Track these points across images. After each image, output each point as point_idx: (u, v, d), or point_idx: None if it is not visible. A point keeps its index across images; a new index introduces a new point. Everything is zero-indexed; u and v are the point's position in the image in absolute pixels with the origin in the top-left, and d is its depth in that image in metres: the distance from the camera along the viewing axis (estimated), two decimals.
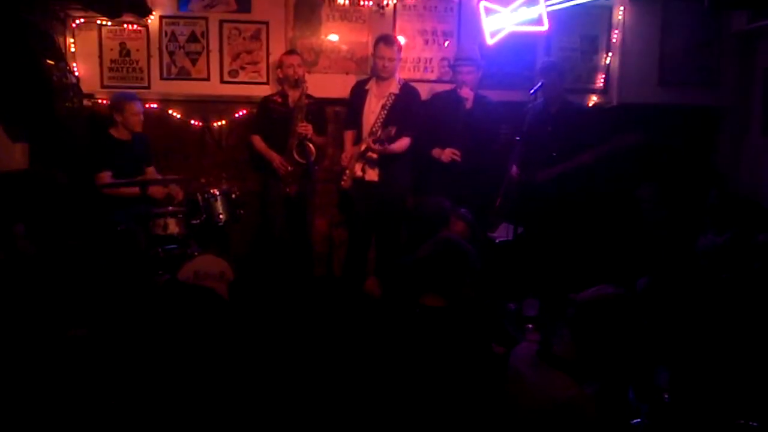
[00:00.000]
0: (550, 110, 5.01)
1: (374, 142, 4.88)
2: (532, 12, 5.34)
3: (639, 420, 2.45)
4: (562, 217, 4.90)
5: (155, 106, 5.49)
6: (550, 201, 4.85)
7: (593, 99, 5.73)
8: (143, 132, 5.15)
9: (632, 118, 5.48)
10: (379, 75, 5.09)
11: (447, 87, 5.39)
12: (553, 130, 4.89)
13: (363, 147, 5.04)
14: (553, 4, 5.37)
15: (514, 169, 4.88)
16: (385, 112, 5.03)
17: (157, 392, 3.09)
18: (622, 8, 5.64)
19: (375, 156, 5.03)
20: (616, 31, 5.68)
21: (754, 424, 2.32)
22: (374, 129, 5.01)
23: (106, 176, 4.83)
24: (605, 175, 5.08)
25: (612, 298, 2.20)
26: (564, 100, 5.07)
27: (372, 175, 5.10)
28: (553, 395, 2.10)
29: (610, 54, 5.71)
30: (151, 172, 5.17)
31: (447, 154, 4.96)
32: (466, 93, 4.96)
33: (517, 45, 5.51)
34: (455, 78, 5.15)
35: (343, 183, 5.15)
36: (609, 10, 5.68)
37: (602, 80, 5.73)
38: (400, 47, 5.16)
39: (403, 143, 5.00)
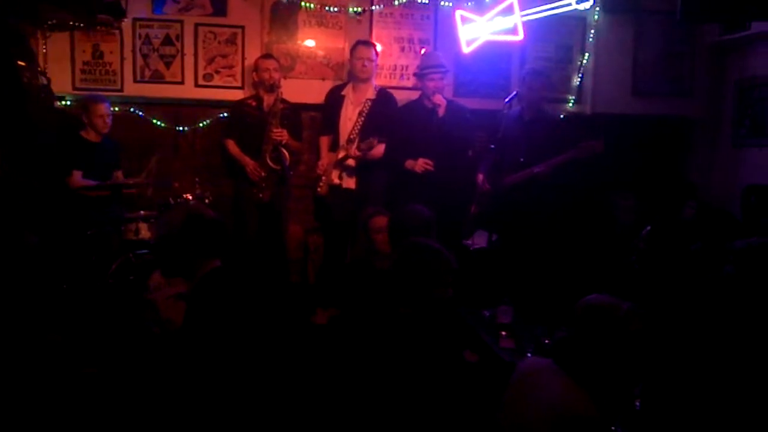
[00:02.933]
0: (525, 118, 5.04)
1: (358, 149, 4.88)
2: (508, 21, 5.40)
3: (613, 428, 2.45)
4: (532, 222, 4.92)
5: (128, 109, 5.42)
6: (519, 207, 4.87)
7: (567, 108, 5.78)
8: (114, 135, 5.08)
9: (605, 127, 5.53)
10: (357, 77, 5.09)
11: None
12: (526, 137, 4.91)
13: (341, 154, 5.03)
14: (528, 14, 5.42)
15: (480, 177, 4.91)
16: (362, 118, 5.03)
17: (133, 397, 3.06)
18: (596, 19, 5.70)
19: (353, 164, 5.02)
20: (591, 42, 5.74)
21: None
22: (351, 136, 5.00)
23: (76, 176, 4.77)
24: (574, 183, 5.11)
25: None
26: (539, 108, 5.11)
27: (349, 182, 5.09)
28: (565, 407, 2.09)
29: (584, 64, 5.76)
30: (118, 176, 5.08)
31: (420, 165, 4.94)
32: (439, 100, 4.96)
33: (493, 54, 5.56)
34: (423, 86, 5.12)
35: (319, 189, 5.13)
36: (583, 21, 5.74)
37: (576, 90, 5.78)
38: (377, 53, 5.18)
39: (379, 148, 4.99)
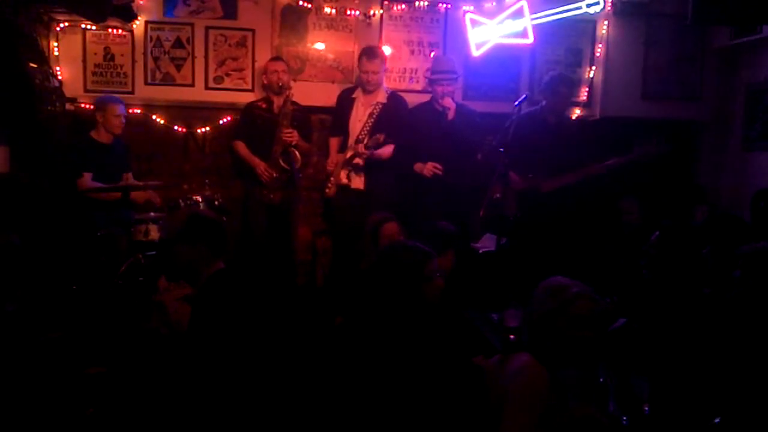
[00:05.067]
0: (549, 121, 5.01)
1: (365, 147, 4.88)
2: (518, 25, 5.40)
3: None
4: (558, 228, 4.89)
5: (139, 111, 5.45)
6: (552, 212, 4.84)
7: (576, 112, 5.76)
8: (126, 137, 5.12)
9: (615, 131, 5.52)
10: (364, 88, 5.11)
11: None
12: (553, 142, 4.89)
13: (349, 154, 5.04)
14: (538, 18, 5.42)
15: (513, 176, 4.81)
16: (372, 120, 5.04)
17: (140, 398, 3.07)
18: (606, 22, 5.70)
19: (361, 163, 5.03)
20: (600, 45, 5.73)
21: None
22: (360, 137, 5.01)
23: (87, 178, 4.80)
24: (601, 191, 5.10)
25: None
26: (563, 113, 5.11)
27: (358, 182, 5.10)
28: (520, 378, 2.15)
29: (593, 67, 5.75)
30: (128, 178, 5.11)
31: (429, 169, 4.93)
32: (448, 103, 4.96)
33: (503, 57, 5.57)
34: (433, 90, 5.12)
35: (327, 191, 5.14)
36: (593, 24, 5.74)
37: (586, 93, 5.78)
38: (384, 59, 5.17)
39: (388, 149, 5.00)
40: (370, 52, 5.10)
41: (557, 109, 5.04)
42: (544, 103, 5.05)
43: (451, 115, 4.96)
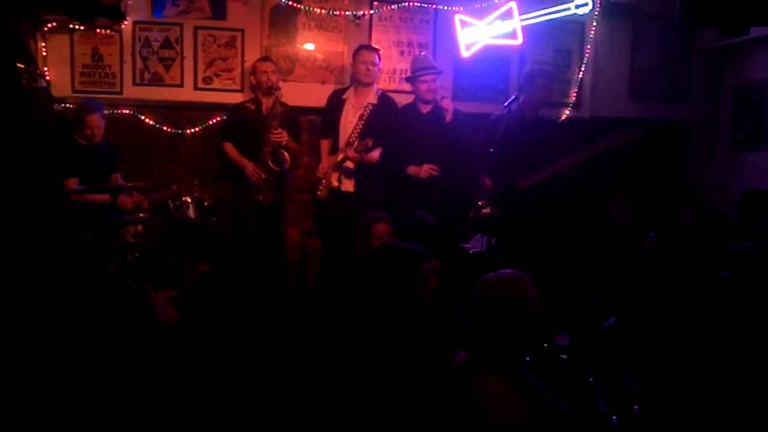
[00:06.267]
0: (527, 117, 5.02)
1: (355, 151, 4.88)
2: (507, 26, 5.42)
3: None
4: (539, 226, 4.90)
5: (127, 111, 5.42)
6: (530, 209, 4.84)
7: (566, 113, 5.79)
8: (113, 138, 5.08)
9: (603, 131, 5.53)
10: (360, 80, 5.10)
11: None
12: (530, 138, 4.90)
13: (340, 157, 5.04)
14: (527, 19, 5.45)
15: (487, 181, 4.86)
16: (363, 122, 5.04)
17: (129, 400, 3.06)
18: (594, 23, 5.72)
19: (351, 166, 5.02)
20: (589, 46, 5.75)
21: None
22: (351, 139, 5.01)
23: (73, 182, 4.75)
24: (580, 186, 5.11)
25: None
26: (537, 110, 5.11)
27: (348, 185, 5.09)
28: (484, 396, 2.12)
29: (582, 68, 5.77)
30: (116, 179, 5.05)
31: (425, 171, 4.93)
32: (447, 105, 4.97)
33: (492, 58, 5.58)
34: (416, 89, 5.11)
35: (319, 193, 5.13)
36: (582, 25, 5.76)
37: (575, 94, 5.80)
38: (379, 56, 5.18)
39: (377, 153, 4.99)
40: (368, 46, 5.17)
41: (534, 103, 5.01)
42: (521, 98, 4.96)
43: (449, 117, 4.96)
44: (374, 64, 5.07)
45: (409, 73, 5.28)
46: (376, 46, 5.37)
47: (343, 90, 5.26)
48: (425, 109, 5.06)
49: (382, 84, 5.51)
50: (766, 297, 2.75)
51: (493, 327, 2.20)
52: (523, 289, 2.23)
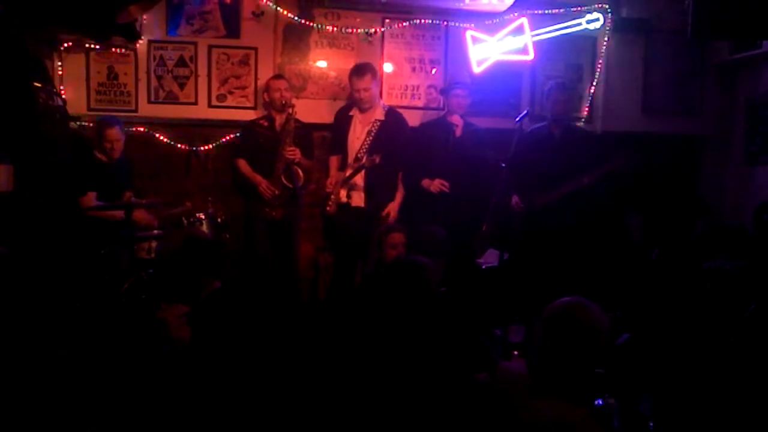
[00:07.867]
0: (555, 134, 5.06)
1: (363, 167, 4.90)
2: (518, 41, 5.44)
3: None
4: (557, 243, 4.90)
5: (142, 129, 5.48)
6: (549, 227, 4.85)
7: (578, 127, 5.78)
8: (129, 156, 5.13)
9: (616, 145, 5.53)
10: (359, 107, 5.13)
11: (434, 114, 5.46)
12: (560, 155, 4.93)
13: (348, 173, 5.06)
14: (538, 34, 5.46)
15: (515, 199, 4.90)
16: (371, 138, 5.06)
17: (142, 415, 3.06)
18: (606, 38, 5.73)
19: (360, 182, 5.05)
20: (601, 61, 5.76)
21: None
22: (359, 155, 5.03)
23: (90, 198, 4.80)
24: (598, 202, 5.11)
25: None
26: (568, 125, 5.15)
27: (358, 200, 5.11)
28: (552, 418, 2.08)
29: (594, 83, 5.78)
30: (128, 196, 5.10)
31: (436, 185, 4.97)
32: (456, 120, 5.01)
33: (503, 73, 5.59)
34: (447, 103, 5.18)
35: (328, 208, 5.15)
36: (593, 40, 5.77)
37: (587, 109, 5.80)
38: (375, 74, 5.18)
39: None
40: (358, 70, 5.11)
41: (558, 116, 5.08)
42: (549, 116, 5.10)
43: (458, 132, 4.99)
44: (366, 90, 5.04)
45: (422, 89, 5.30)
46: (387, 63, 5.39)
47: (350, 107, 5.29)
48: (458, 121, 5.08)
49: (394, 100, 5.54)
50: None
51: (567, 353, 2.18)
52: (599, 319, 2.21)
